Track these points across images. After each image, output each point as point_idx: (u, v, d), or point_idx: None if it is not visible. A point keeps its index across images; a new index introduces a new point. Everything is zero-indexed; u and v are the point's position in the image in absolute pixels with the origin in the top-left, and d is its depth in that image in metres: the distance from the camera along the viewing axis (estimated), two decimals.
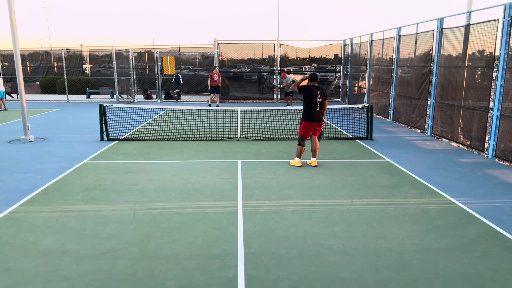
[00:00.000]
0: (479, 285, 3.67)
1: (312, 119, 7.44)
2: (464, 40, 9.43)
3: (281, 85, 17.57)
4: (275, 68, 19.79)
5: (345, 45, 19.68)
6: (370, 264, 4.02)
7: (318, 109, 7.44)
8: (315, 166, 7.64)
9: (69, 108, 17.36)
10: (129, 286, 3.64)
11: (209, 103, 17.14)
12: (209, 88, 17.28)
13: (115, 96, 20.08)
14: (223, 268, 3.94)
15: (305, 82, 7.55)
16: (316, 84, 7.58)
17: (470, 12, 9.47)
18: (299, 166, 7.58)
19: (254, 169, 7.43)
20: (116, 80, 19.27)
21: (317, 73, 7.58)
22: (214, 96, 17.26)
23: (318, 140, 7.84)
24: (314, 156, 7.73)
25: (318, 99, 7.42)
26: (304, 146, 7.64)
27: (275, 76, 19.86)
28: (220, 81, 17.38)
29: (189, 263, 4.04)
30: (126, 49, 21.14)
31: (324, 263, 4.05)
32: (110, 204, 5.65)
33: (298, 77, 21.82)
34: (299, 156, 7.65)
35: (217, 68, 17.42)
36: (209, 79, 17.14)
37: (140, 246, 4.40)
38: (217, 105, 16.99)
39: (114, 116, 11.34)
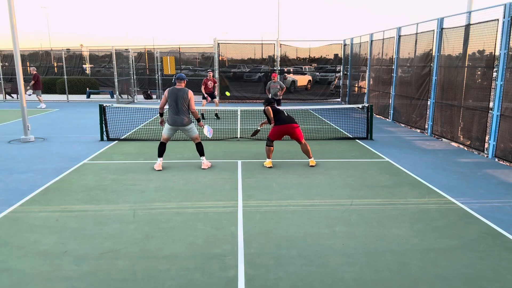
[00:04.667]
0: (479, 285, 3.67)
1: (283, 122, 7.58)
2: (464, 40, 9.43)
3: (267, 92, 13.27)
4: (275, 68, 19.79)
5: (345, 45, 19.69)
6: (370, 264, 4.02)
7: (286, 114, 7.76)
8: (313, 165, 7.63)
9: (69, 108, 17.36)
10: (129, 286, 3.64)
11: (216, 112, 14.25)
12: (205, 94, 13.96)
13: (115, 96, 20.08)
14: (223, 268, 3.94)
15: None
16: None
17: (470, 12, 9.47)
18: (269, 167, 7.56)
19: (254, 169, 7.43)
20: (116, 80, 19.27)
21: (273, 99, 8.02)
22: (210, 101, 14.12)
23: (253, 135, 8.43)
24: (309, 157, 7.74)
25: (281, 108, 7.91)
26: (272, 146, 7.67)
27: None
28: (214, 86, 14.26)
29: (189, 263, 4.04)
30: (126, 49, 21.14)
31: (324, 263, 4.05)
32: (110, 204, 5.65)
33: (298, 77, 22.02)
34: (268, 157, 7.66)
35: (210, 74, 14.03)
36: (203, 86, 13.90)
37: (140, 246, 4.40)
38: (216, 115, 14.11)
39: (114, 116, 11.34)
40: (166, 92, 7.30)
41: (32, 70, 17.67)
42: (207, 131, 7.76)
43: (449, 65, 10.10)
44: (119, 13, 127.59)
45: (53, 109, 16.79)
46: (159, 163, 7.38)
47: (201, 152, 7.53)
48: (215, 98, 14.30)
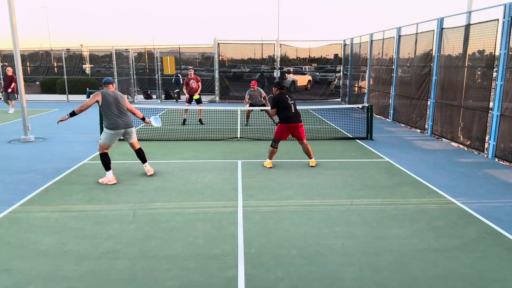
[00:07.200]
0: (479, 285, 3.67)
1: (289, 121, 7.48)
2: (464, 40, 9.43)
3: (246, 100, 12.16)
4: (275, 68, 19.79)
5: (345, 45, 19.69)
6: (370, 264, 4.02)
7: (293, 110, 7.53)
8: (313, 166, 7.63)
9: (69, 108, 17.35)
10: (129, 286, 3.64)
11: (185, 117, 12.61)
12: (188, 98, 12.50)
13: None
14: (223, 268, 3.94)
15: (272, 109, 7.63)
16: (283, 91, 7.69)
17: (470, 12, 9.47)
18: (269, 167, 7.55)
19: (254, 169, 7.43)
20: (116, 80, 19.28)
21: (281, 81, 7.63)
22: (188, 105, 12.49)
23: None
24: (310, 158, 7.74)
25: (290, 102, 7.53)
26: (276, 148, 7.63)
27: (274, 73, 19.87)
28: (199, 87, 12.49)
29: (189, 263, 4.04)
30: (126, 49, 21.15)
31: (324, 263, 4.05)
32: (110, 204, 5.65)
33: (298, 77, 22.02)
34: (270, 158, 7.64)
35: (191, 72, 12.45)
36: (185, 86, 12.45)
37: (140, 246, 4.40)
38: (200, 120, 12.47)
39: None
40: (96, 97, 6.55)
41: (8, 70, 15.22)
42: (155, 121, 7.31)
43: (449, 65, 10.10)
44: (119, 13, 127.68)
45: (53, 109, 16.79)
46: (111, 176, 6.56)
47: (143, 159, 7.03)
48: (200, 103, 12.71)
